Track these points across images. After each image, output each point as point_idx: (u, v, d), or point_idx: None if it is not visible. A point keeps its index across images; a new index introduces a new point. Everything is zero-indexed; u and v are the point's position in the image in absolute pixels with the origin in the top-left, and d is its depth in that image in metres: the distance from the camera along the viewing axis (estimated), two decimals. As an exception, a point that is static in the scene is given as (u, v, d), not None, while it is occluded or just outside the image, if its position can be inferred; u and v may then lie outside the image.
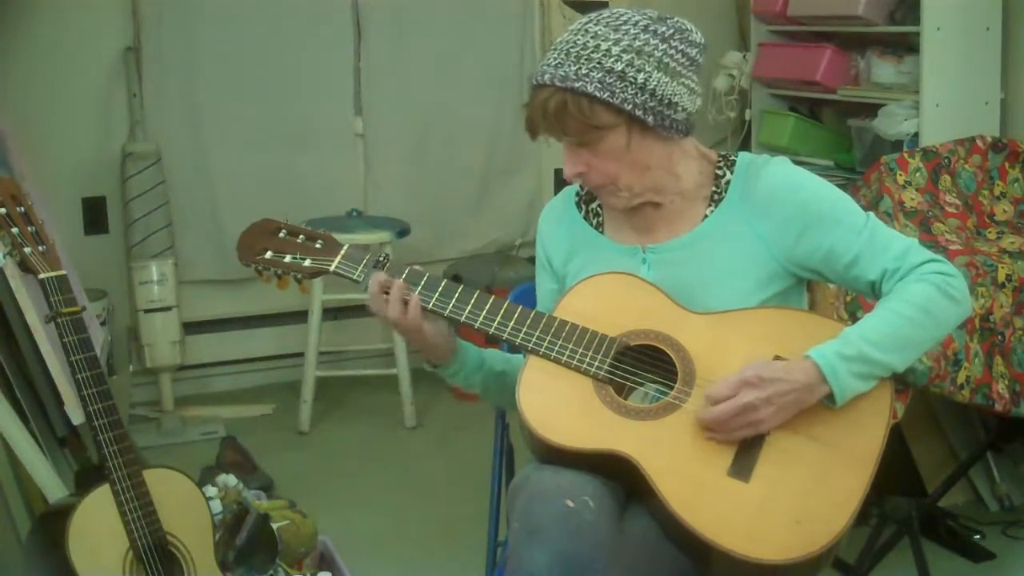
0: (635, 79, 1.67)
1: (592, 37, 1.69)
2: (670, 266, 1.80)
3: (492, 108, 4.53)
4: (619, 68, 1.67)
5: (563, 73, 1.67)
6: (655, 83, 1.68)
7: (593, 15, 1.74)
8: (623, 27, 1.70)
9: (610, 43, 1.68)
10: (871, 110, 3.76)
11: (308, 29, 4.22)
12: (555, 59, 1.70)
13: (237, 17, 4.11)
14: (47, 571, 2.00)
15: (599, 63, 1.67)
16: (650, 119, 1.69)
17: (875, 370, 1.67)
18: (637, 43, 1.68)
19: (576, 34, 1.71)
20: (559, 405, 1.69)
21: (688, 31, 1.74)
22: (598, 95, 1.66)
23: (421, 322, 1.77)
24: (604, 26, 1.70)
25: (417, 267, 1.81)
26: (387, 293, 1.77)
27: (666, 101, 1.70)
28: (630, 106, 1.67)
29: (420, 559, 3.01)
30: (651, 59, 1.68)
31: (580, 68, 1.67)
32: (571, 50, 1.69)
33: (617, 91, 1.67)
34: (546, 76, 1.69)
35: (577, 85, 1.66)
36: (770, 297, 1.78)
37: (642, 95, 1.68)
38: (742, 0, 4.65)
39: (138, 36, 4.00)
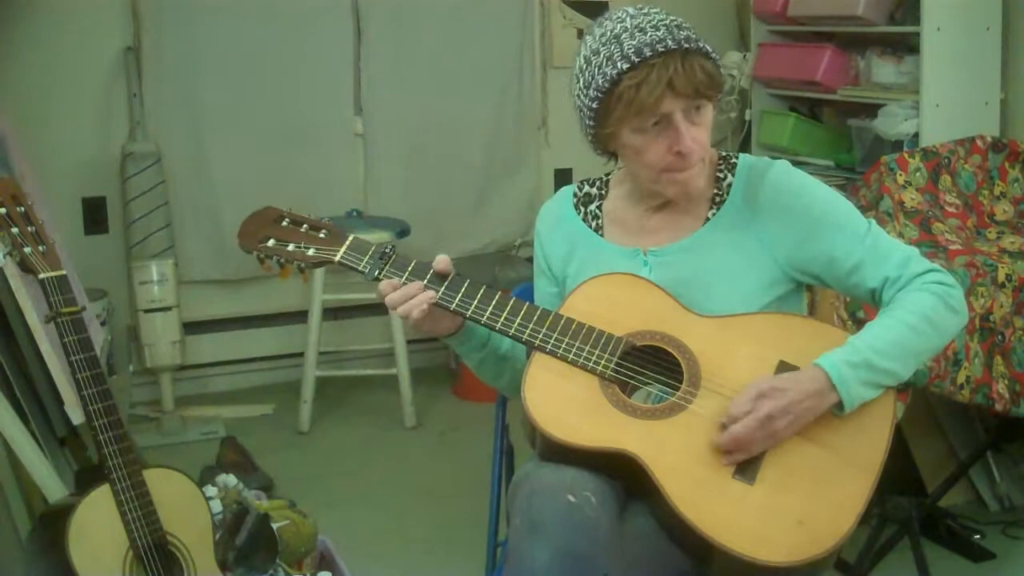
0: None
1: (665, 14, 1.73)
2: (671, 269, 1.80)
3: (492, 108, 4.53)
4: (696, 38, 1.72)
5: (683, 36, 1.69)
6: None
7: (628, 9, 1.75)
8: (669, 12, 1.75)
9: (679, 19, 1.73)
10: (871, 110, 3.76)
11: (308, 29, 4.22)
12: (658, 31, 1.69)
13: (237, 17, 4.11)
14: (47, 571, 2.00)
15: (694, 33, 1.71)
16: (723, 83, 1.79)
17: (880, 378, 1.68)
18: (687, 23, 1.74)
19: (648, 15, 1.72)
20: (565, 402, 1.69)
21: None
22: (713, 55, 1.72)
23: (423, 321, 1.77)
24: (658, 11, 1.74)
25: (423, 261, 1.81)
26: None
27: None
28: (721, 75, 1.75)
29: (420, 559, 3.01)
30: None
31: (689, 34, 1.71)
32: (665, 21, 1.71)
33: (714, 58, 1.73)
34: (669, 41, 1.68)
35: (701, 44, 1.71)
36: (770, 302, 1.78)
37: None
38: (742, 0, 4.65)
39: (138, 36, 4.00)
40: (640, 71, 1.67)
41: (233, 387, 4.35)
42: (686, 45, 1.68)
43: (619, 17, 1.74)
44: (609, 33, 1.72)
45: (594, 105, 1.72)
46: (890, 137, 3.63)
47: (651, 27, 1.69)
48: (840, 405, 1.66)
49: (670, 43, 1.67)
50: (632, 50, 1.68)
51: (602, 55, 1.71)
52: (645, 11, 1.73)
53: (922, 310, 1.71)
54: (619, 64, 1.68)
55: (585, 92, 1.74)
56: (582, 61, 1.75)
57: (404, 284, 1.77)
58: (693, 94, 1.69)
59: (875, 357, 1.67)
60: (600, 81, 1.70)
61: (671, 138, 1.72)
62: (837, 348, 1.68)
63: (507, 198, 4.61)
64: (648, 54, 1.67)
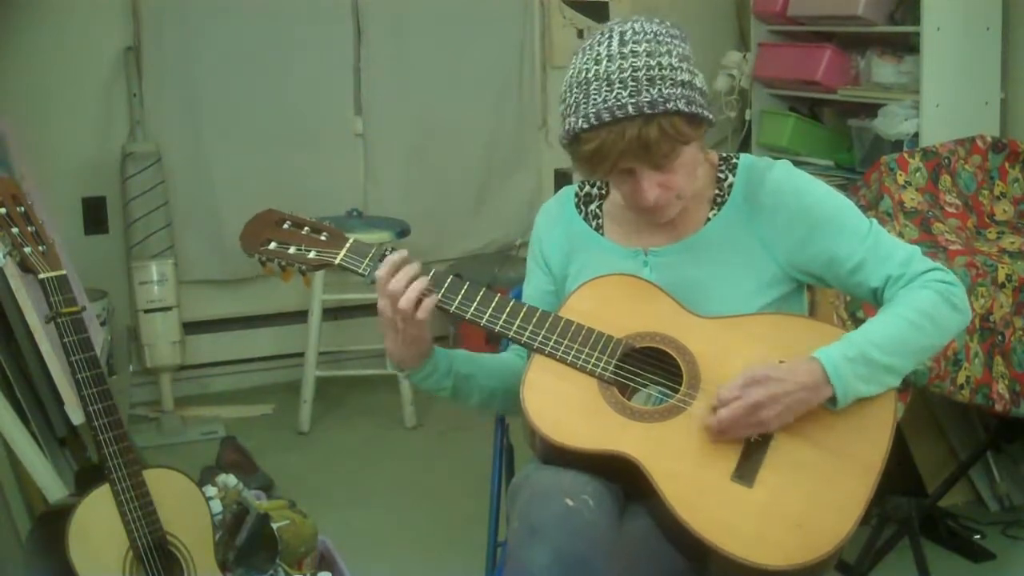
0: (696, 84, 1.68)
1: (648, 56, 1.65)
2: (671, 269, 1.80)
3: (492, 108, 4.54)
4: (688, 79, 1.67)
5: (648, 99, 1.63)
6: (701, 82, 1.71)
7: (615, 36, 1.68)
8: (661, 39, 1.67)
9: (666, 57, 1.66)
10: (871, 110, 3.76)
11: (308, 29, 4.22)
12: (624, 89, 1.64)
13: (237, 17, 4.11)
14: (47, 571, 2.00)
15: (673, 80, 1.65)
16: (711, 117, 1.71)
17: (877, 373, 1.67)
18: (679, 50, 1.68)
19: (625, 59, 1.65)
20: (564, 405, 1.69)
21: (678, 24, 1.75)
22: (687, 110, 1.65)
23: (427, 317, 1.76)
24: (647, 43, 1.67)
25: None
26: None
27: (708, 96, 1.73)
28: (705, 111, 1.69)
29: (420, 559, 3.01)
30: (690, 61, 1.70)
31: (662, 90, 1.64)
32: (637, 75, 1.64)
33: (696, 101, 1.67)
34: (629, 107, 1.63)
35: (669, 106, 1.63)
36: (771, 301, 1.78)
37: (703, 97, 1.70)
38: (742, 0, 4.65)
39: (138, 36, 4.01)
40: (598, 132, 1.65)
41: (233, 387, 4.35)
42: (648, 111, 1.63)
43: (600, 52, 1.68)
44: (585, 71, 1.67)
45: (564, 142, 1.72)
46: (890, 137, 3.63)
47: (619, 81, 1.64)
48: (834, 400, 1.66)
49: (630, 109, 1.63)
50: (593, 111, 1.65)
51: (571, 100, 1.68)
52: (629, 47, 1.66)
53: (922, 306, 1.70)
54: (580, 122, 1.66)
55: (561, 122, 1.72)
56: (564, 84, 1.72)
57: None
58: (652, 161, 1.67)
59: (873, 352, 1.66)
60: (566, 128, 1.69)
61: (635, 188, 1.72)
62: (835, 343, 1.68)
63: (507, 198, 4.61)
64: (606, 119, 1.64)
